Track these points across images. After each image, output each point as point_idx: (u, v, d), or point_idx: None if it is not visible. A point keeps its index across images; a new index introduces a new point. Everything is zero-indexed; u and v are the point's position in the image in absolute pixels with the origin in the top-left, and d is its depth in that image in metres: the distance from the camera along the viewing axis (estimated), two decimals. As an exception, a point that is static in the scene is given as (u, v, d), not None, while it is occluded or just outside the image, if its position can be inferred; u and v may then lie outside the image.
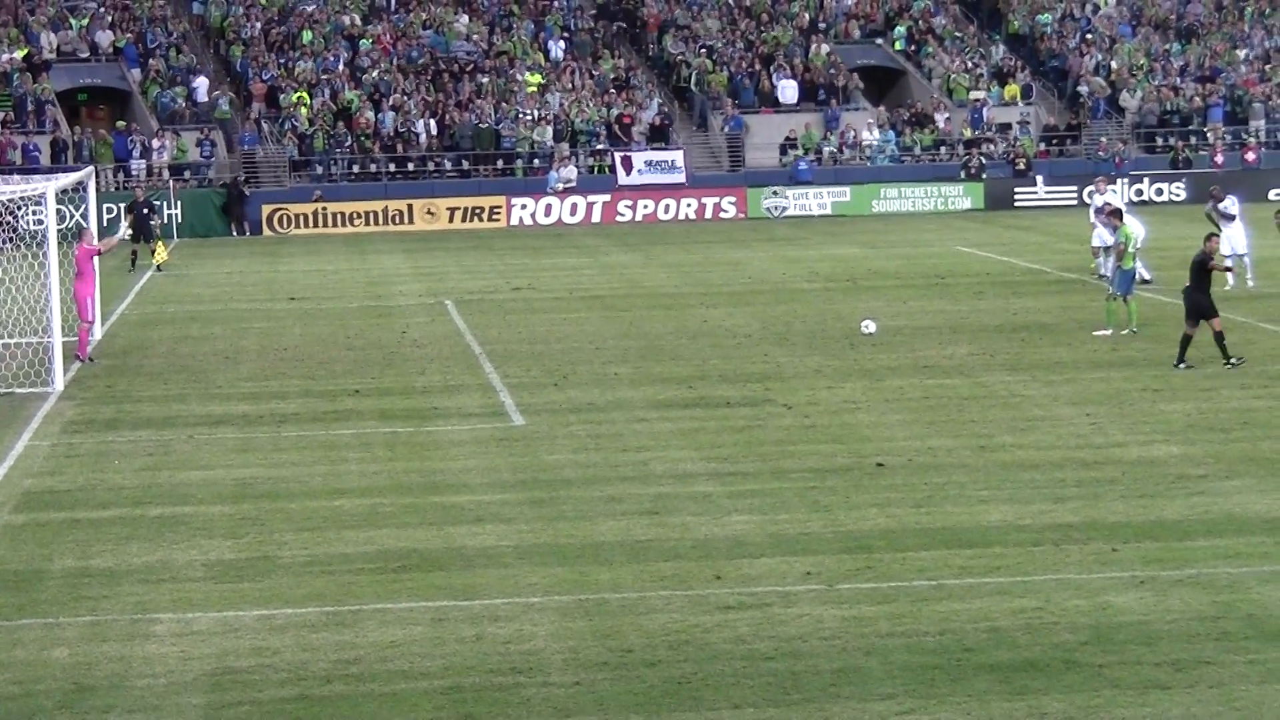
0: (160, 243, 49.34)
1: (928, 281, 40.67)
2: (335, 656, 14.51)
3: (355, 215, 59.82)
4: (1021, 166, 63.89)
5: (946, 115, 66.34)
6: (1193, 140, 65.81)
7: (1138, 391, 25.83)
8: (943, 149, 65.44)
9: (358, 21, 68.64)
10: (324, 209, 59.75)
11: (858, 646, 14.50)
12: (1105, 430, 23.15)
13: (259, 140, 62.40)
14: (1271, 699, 13.16)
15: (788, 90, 67.02)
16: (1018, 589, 16.02)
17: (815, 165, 63.82)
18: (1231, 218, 37.44)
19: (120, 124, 62.40)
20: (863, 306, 35.42)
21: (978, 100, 66.91)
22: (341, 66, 65.98)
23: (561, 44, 68.81)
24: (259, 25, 67.85)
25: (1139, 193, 61.62)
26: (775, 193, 61.66)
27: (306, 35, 67.26)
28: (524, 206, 60.51)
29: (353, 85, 65.05)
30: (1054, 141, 66.89)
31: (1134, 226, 32.65)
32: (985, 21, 73.60)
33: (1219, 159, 63.98)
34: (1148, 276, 36.67)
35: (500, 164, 63.45)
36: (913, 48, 70.79)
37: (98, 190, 46.16)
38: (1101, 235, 35.88)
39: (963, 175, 63.01)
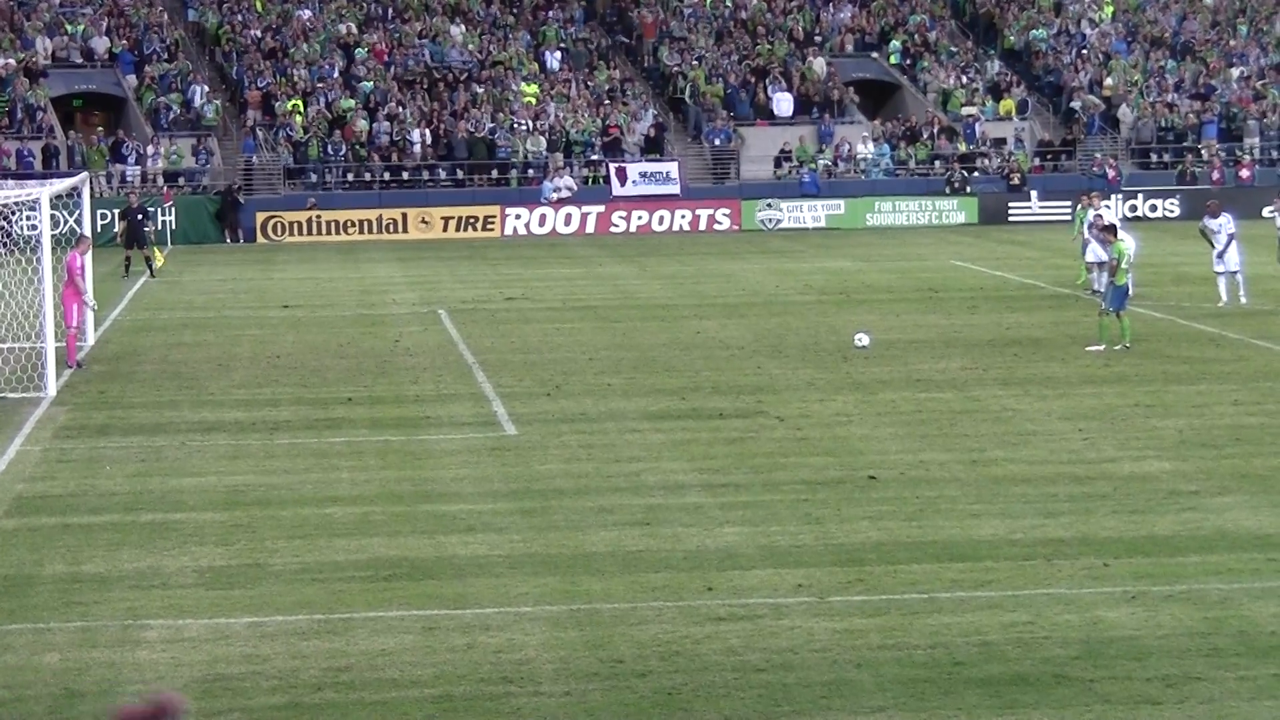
0: (156, 248, 49.36)
1: (921, 295, 40.69)
2: (326, 664, 14.50)
3: (349, 223, 59.80)
4: (1016, 181, 63.95)
5: (938, 128, 66.42)
6: (1188, 157, 65.91)
7: (1130, 407, 25.84)
8: (937, 163, 65.48)
9: (354, 30, 68.66)
10: (318, 217, 59.74)
11: (848, 659, 14.50)
12: (1097, 445, 23.16)
13: (254, 148, 62.38)
14: (1262, 715, 13.16)
15: (782, 103, 67.08)
16: (1009, 603, 16.01)
17: (817, 178, 63.71)
18: (1230, 236, 37.36)
19: (99, 129, 62.38)
20: (856, 320, 35.43)
21: (970, 116, 67.00)
22: (337, 75, 65.98)
23: (557, 55, 68.85)
24: (254, 33, 67.85)
25: (1133, 208, 61.70)
26: (769, 205, 61.70)
27: (303, 44, 67.25)
28: (518, 216, 60.51)
29: (348, 94, 65.06)
30: (1048, 157, 66.96)
31: (1127, 242, 32.68)
32: (981, 36, 73.71)
33: (1216, 175, 64.09)
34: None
35: (495, 174, 63.46)
36: (908, 62, 70.86)
37: (92, 196, 46.13)
38: (1096, 250, 35.91)
39: (947, 190, 63.07)
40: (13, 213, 36.86)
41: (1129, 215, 59.35)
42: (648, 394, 27.51)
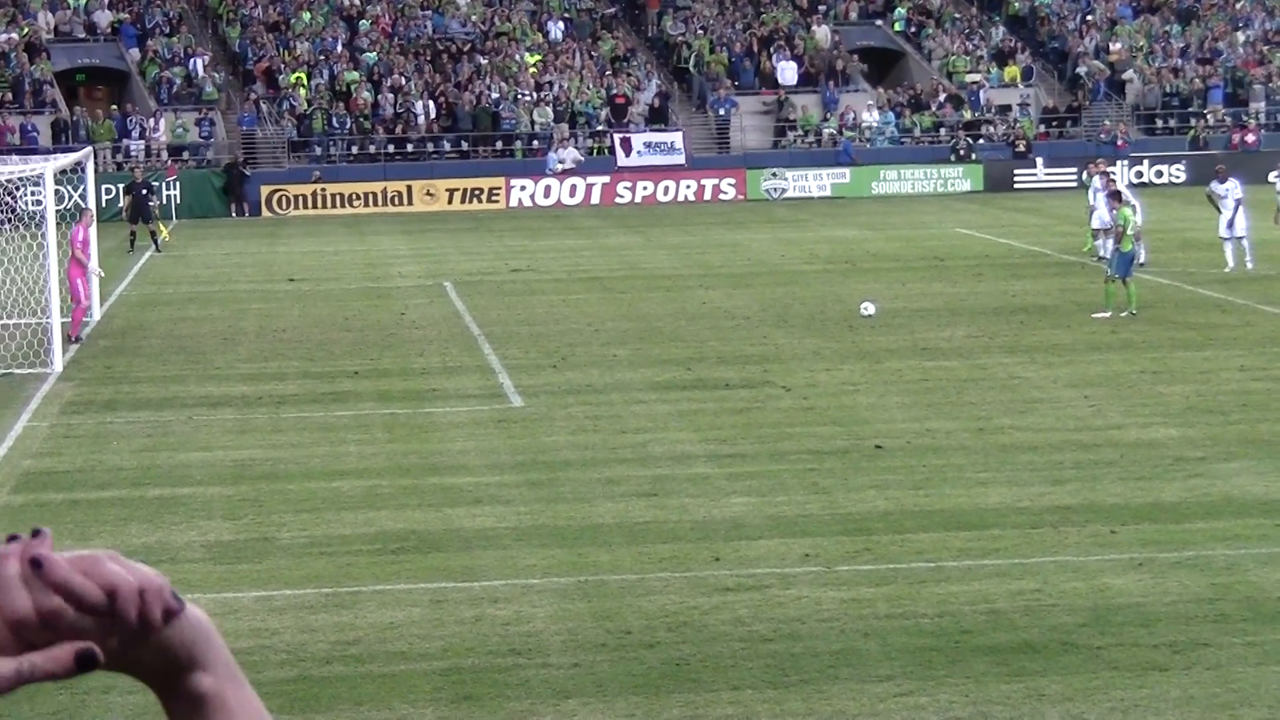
0: (161, 223, 49.36)
1: (927, 263, 40.65)
2: (334, 638, 14.52)
3: (354, 196, 59.73)
4: (1021, 148, 63.83)
5: (945, 96, 66.30)
6: (1198, 123, 65.76)
7: (1136, 374, 25.83)
8: (942, 131, 65.36)
9: (356, 2, 68.55)
10: (323, 190, 59.68)
11: (856, 628, 14.51)
12: (1104, 412, 23.15)
13: (257, 121, 62.31)
14: (1268, 680, 13.17)
15: (787, 71, 66.95)
16: (1016, 571, 16.03)
17: (851, 146, 63.49)
18: (1237, 201, 37.27)
19: (113, 106, 62.30)
20: (862, 288, 35.40)
21: (974, 83, 66.86)
22: (340, 47, 65.88)
23: (561, 24, 68.73)
24: (257, 5, 67.75)
25: (1139, 174, 61.59)
26: (774, 174, 61.61)
27: (305, 15, 67.18)
28: (523, 188, 60.43)
29: (351, 66, 64.97)
30: (1054, 123, 66.82)
31: (1131, 207, 32.64)
32: (985, 3, 73.52)
33: (1235, 139, 63.82)
34: (1143, 259, 36.64)
35: (499, 145, 63.39)
36: (913, 29, 70.70)
37: (96, 171, 46.12)
38: (1103, 217, 35.87)
39: (952, 158, 62.97)
40: (17, 188, 36.86)
41: (1135, 181, 59.22)
42: (654, 365, 27.50)
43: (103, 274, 33.37)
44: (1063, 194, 58.45)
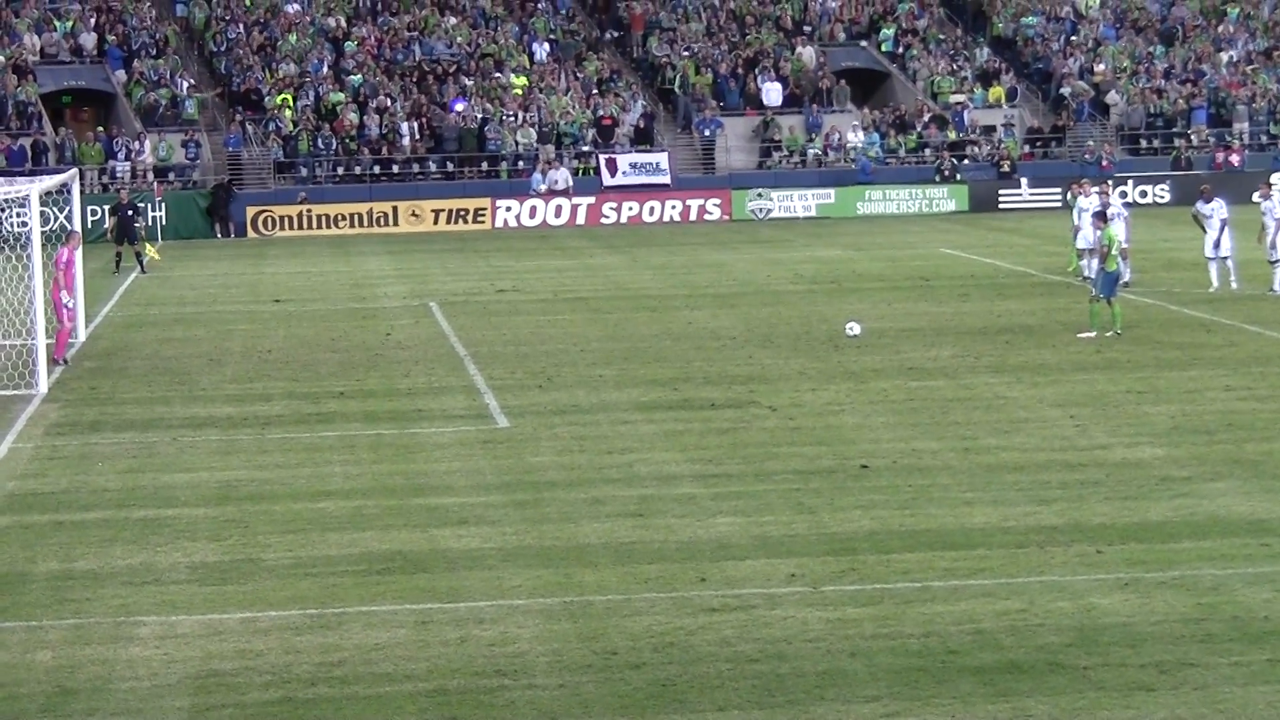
0: (148, 243, 49.35)
1: (912, 283, 40.71)
2: (319, 659, 14.50)
3: (340, 217, 59.74)
4: (1006, 169, 63.97)
5: (929, 117, 66.43)
6: (1177, 143, 65.95)
7: (1121, 393, 25.87)
8: (927, 151, 65.47)
9: (342, 24, 68.57)
10: (308, 211, 59.67)
11: (842, 649, 14.51)
12: (1089, 432, 23.17)
13: (243, 142, 62.29)
14: (1255, 701, 13.18)
15: (772, 92, 67.08)
16: (1002, 591, 16.03)
17: (869, 165, 63.51)
18: (1222, 221, 37.35)
19: (99, 127, 62.25)
20: (847, 308, 35.44)
21: (959, 104, 67.02)
22: (326, 69, 65.89)
23: (546, 46, 68.81)
24: (243, 27, 67.74)
25: (1123, 194, 61.69)
26: (760, 194, 61.69)
27: (291, 38, 67.19)
28: (509, 208, 60.47)
29: (337, 87, 64.98)
30: (1038, 144, 66.99)
31: (1115, 226, 32.74)
32: (970, 24, 73.71)
33: (1219, 159, 63.96)
34: (1127, 278, 36.72)
35: (485, 166, 63.42)
36: (899, 50, 70.86)
37: (82, 192, 46.07)
38: (1088, 237, 35.93)
39: (937, 178, 63.09)
40: (2, 210, 36.85)
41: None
42: (639, 385, 27.51)
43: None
44: (1048, 214, 58.59)
